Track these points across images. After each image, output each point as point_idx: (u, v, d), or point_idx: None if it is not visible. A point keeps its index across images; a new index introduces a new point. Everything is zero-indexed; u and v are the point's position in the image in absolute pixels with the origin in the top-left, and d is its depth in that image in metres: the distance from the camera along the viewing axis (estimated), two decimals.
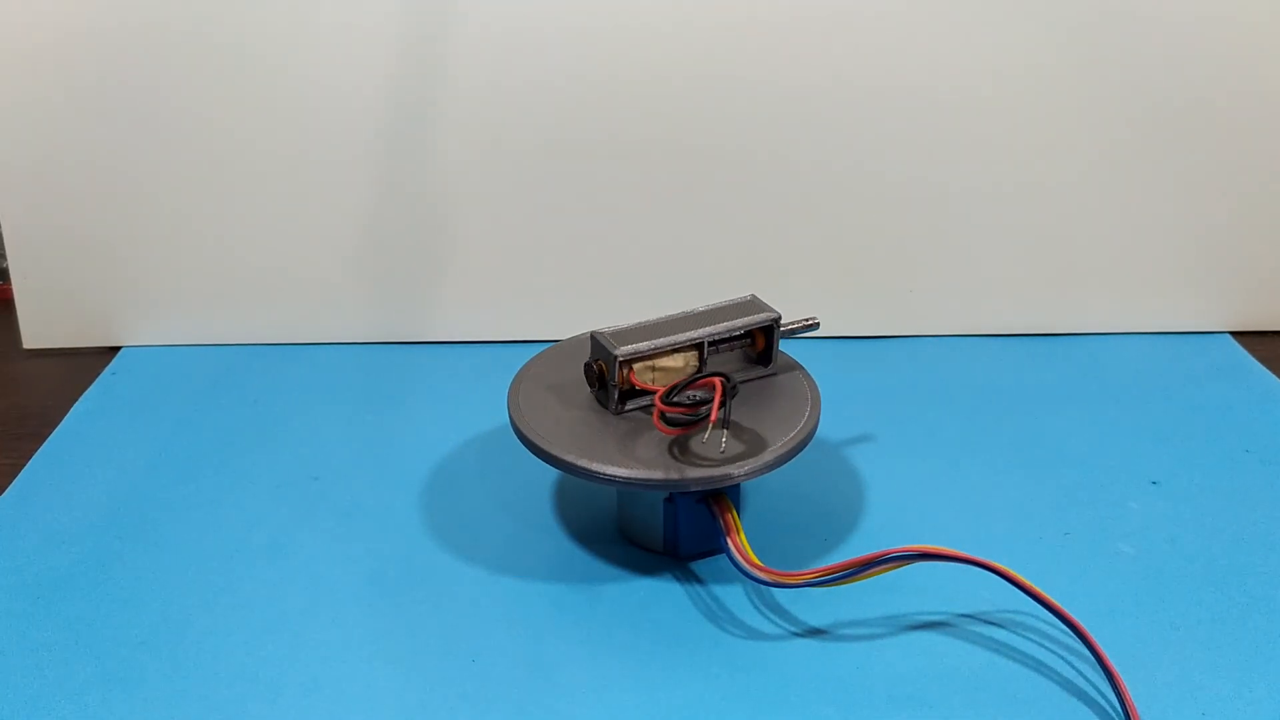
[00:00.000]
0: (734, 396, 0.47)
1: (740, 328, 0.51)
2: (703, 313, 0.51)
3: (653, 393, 0.47)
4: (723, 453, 0.45)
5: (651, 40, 0.63)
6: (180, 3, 0.62)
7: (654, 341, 0.49)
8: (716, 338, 0.50)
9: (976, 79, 0.64)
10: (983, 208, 0.67)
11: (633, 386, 0.49)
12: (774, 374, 0.52)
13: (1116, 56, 0.64)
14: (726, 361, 0.52)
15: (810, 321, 0.54)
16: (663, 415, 0.46)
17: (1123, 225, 0.67)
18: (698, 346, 0.50)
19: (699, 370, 0.49)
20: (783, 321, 0.52)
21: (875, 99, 0.65)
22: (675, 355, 0.50)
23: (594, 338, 0.49)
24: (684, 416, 0.47)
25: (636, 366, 0.49)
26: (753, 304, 0.52)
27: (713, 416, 0.45)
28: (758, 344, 0.52)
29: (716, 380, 0.46)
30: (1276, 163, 0.66)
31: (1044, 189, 0.67)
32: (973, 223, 0.67)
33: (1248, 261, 0.68)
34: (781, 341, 0.52)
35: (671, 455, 0.46)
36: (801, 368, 0.53)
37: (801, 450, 0.47)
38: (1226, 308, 0.70)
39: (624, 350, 0.48)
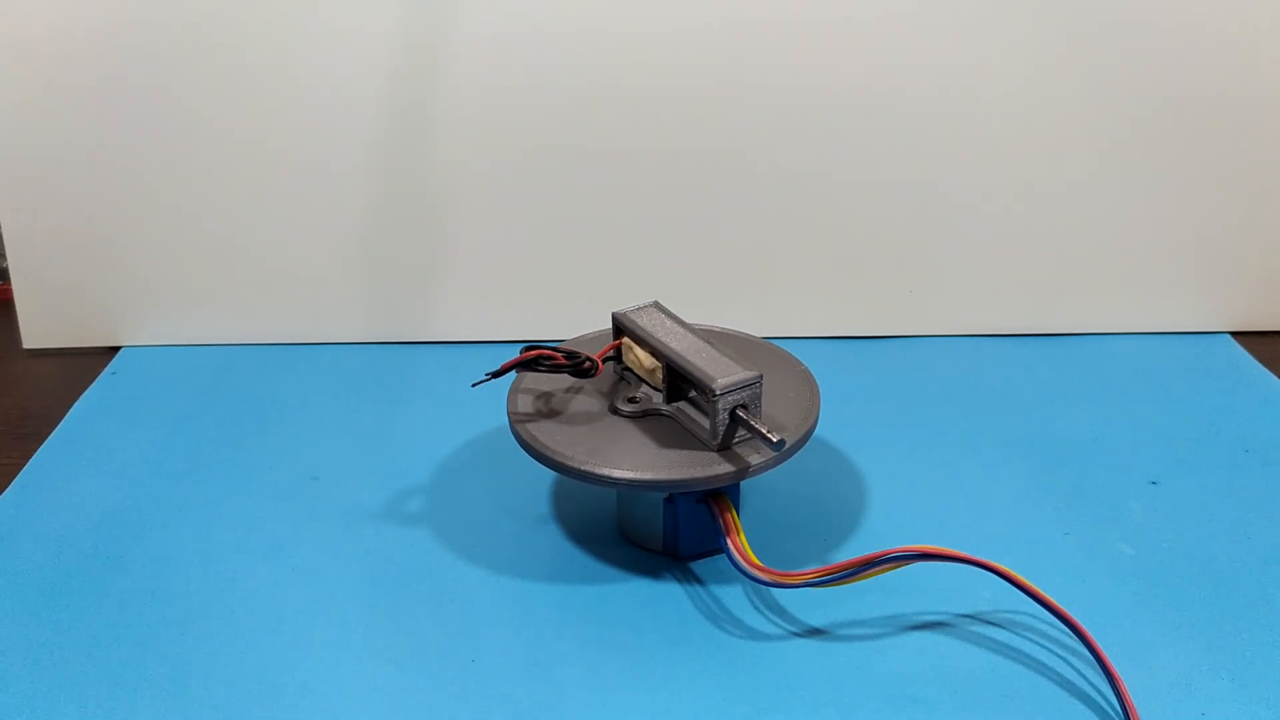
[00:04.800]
0: (542, 370, 0.49)
1: (690, 372, 0.47)
2: (701, 343, 0.49)
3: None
4: (474, 386, 0.49)
5: (651, 43, 0.63)
6: (179, 3, 0.62)
7: (649, 332, 0.50)
8: (674, 366, 0.48)
9: (976, 79, 0.64)
10: (983, 208, 0.67)
11: (618, 352, 0.52)
12: (716, 450, 0.46)
13: (1116, 57, 0.64)
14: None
15: (773, 437, 0.45)
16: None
17: (1123, 225, 0.67)
18: (659, 359, 0.49)
19: (664, 380, 0.49)
20: (757, 427, 0.45)
21: (876, 100, 0.65)
22: (649, 356, 0.50)
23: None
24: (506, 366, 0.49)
25: (625, 340, 0.51)
26: (736, 368, 0.46)
27: (499, 368, 0.48)
28: None
29: (536, 351, 0.49)
30: (1276, 163, 0.66)
31: (1044, 189, 0.67)
32: (973, 223, 0.67)
33: (1248, 261, 0.68)
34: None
35: (671, 456, 0.46)
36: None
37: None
38: (1226, 308, 0.70)
39: (618, 311, 0.51)
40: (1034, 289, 0.69)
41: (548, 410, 0.50)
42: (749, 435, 0.46)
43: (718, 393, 0.45)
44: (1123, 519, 0.52)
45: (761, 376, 0.46)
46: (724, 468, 0.45)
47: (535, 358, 0.49)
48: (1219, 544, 0.50)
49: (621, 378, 0.52)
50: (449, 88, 0.64)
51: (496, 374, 0.49)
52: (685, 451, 0.47)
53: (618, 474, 0.45)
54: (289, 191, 0.66)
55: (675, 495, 0.48)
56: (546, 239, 0.68)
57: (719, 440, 0.46)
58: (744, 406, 0.46)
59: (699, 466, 0.46)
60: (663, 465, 0.46)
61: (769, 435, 0.45)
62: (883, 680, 0.43)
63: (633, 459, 0.46)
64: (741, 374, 0.46)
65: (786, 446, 0.46)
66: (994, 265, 0.68)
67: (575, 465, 0.46)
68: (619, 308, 0.52)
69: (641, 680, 0.43)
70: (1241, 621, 0.46)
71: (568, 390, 0.51)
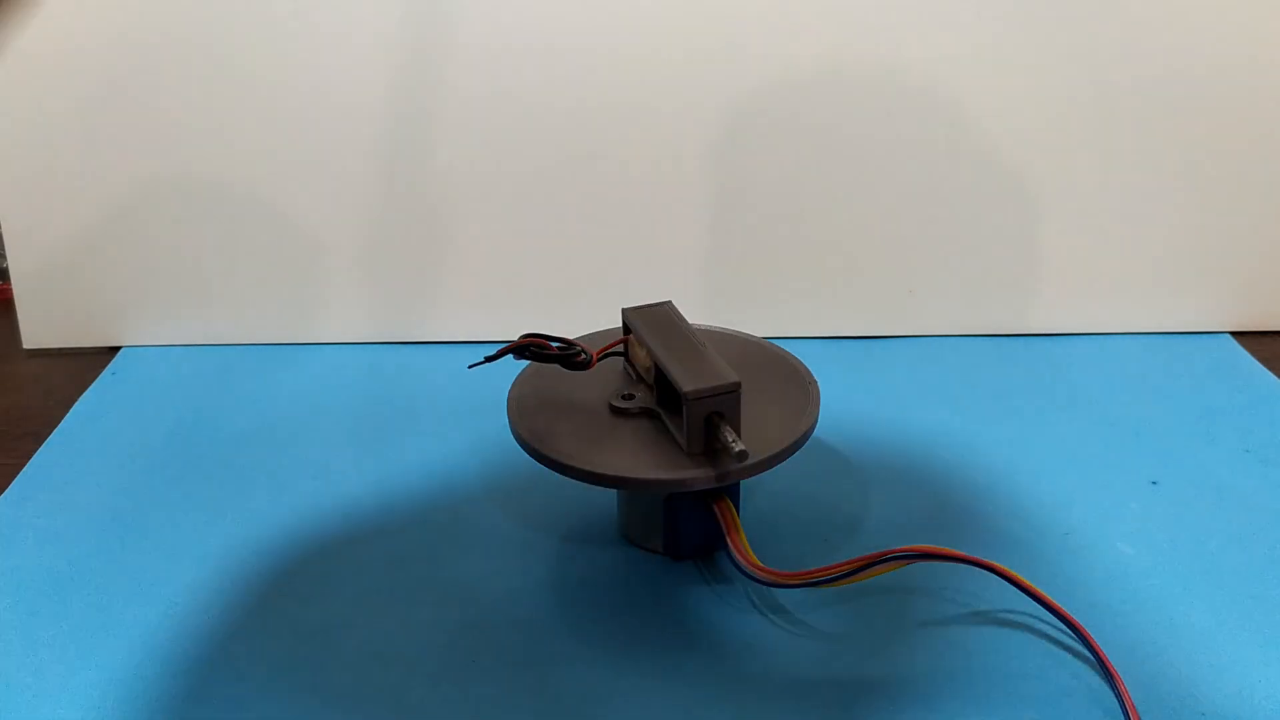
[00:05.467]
0: (541, 359, 0.49)
1: (670, 374, 0.46)
2: (693, 345, 0.48)
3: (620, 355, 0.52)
4: (470, 367, 0.49)
5: (648, 42, 0.63)
6: (179, 5, 0.62)
7: (648, 330, 0.50)
8: (659, 366, 0.48)
9: (977, 79, 0.64)
10: (982, 208, 0.67)
11: (624, 346, 0.52)
12: (690, 454, 0.46)
13: (1117, 56, 0.64)
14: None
15: (735, 447, 0.44)
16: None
17: (1122, 225, 0.67)
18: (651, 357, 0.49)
19: (655, 379, 0.49)
20: (726, 430, 0.44)
21: (875, 99, 0.65)
22: (646, 354, 0.50)
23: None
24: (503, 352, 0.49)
25: (631, 337, 0.51)
26: (714, 374, 0.46)
27: (495, 353, 0.48)
28: None
29: (529, 339, 0.49)
30: (1276, 163, 0.66)
31: (1044, 189, 0.67)
32: (972, 223, 0.67)
33: (1248, 261, 0.68)
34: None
35: (671, 455, 0.46)
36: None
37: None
38: (1226, 308, 0.70)
39: (627, 309, 0.51)
40: (1034, 289, 0.69)
41: (548, 407, 0.50)
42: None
43: (688, 397, 0.45)
44: (1123, 519, 0.52)
45: (739, 384, 0.45)
46: (690, 473, 0.45)
47: (527, 345, 0.49)
48: (1219, 544, 0.50)
49: (627, 375, 0.52)
50: (450, 88, 0.64)
51: (492, 358, 0.49)
52: (663, 454, 0.46)
53: (617, 474, 0.45)
54: (289, 191, 0.66)
55: (674, 495, 0.48)
56: (547, 239, 0.68)
57: (690, 445, 0.46)
58: (719, 413, 0.45)
59: (666, 470, 0.45)
60: (637, 465, 0.45)
61: (733, 445, 0.44)
62: (883, 680, 0.43)
63: (613, 457, 0.46)
64: (718, 380, 0.45)
65: (750, 460, 0.45)
66: (994, 265, 0.68)
67: (575, 465, 0.46)
68: (616, 308, 0.52)
69: (641, 680, 0.43)
70: (1241, 621, 0.46)
71: (571, 386, 0.51)
